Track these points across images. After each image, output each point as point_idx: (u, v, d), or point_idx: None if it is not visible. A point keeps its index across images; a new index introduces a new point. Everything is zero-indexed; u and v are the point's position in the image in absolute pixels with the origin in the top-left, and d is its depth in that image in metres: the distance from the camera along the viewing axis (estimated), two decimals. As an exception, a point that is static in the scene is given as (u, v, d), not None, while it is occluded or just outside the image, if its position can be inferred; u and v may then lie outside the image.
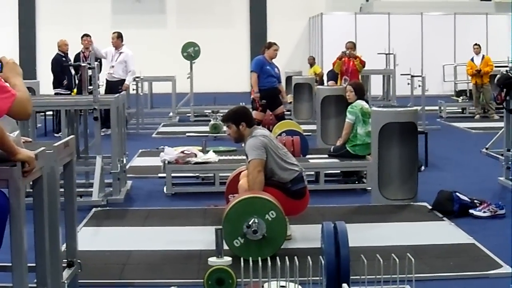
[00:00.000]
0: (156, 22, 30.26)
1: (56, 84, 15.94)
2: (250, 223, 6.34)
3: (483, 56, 19.42)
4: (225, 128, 7.55)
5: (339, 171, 10.32)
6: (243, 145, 7.35)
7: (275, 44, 13.23)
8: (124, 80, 15.84)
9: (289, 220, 7.10)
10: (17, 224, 3.99)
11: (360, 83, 11.24)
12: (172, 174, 9.61)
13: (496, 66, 19.50)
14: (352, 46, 15.55)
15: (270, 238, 6.38)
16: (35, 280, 4.42)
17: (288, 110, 17.00)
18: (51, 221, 4.47)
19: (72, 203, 5.13)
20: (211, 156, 9.75)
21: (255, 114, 12.87)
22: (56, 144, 4.63)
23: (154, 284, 5.94)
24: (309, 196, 7.36)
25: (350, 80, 13.92)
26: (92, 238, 7.26)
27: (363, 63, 15.27)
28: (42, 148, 4.36)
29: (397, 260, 5.09)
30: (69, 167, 5.06)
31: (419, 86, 16.89)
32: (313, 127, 14.37)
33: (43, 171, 4.35)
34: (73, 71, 15.84)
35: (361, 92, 10.23)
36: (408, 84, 17.56)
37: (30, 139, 5.36)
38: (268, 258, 5.21)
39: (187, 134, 15.49)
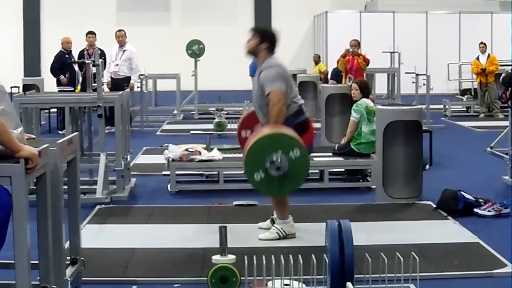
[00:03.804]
0: (161, 19, 30.26)
1: (58, 81, 15.98)
2: (274, 159, 6.29)
3: (489, 55, 19.39)
4: (248, 36, 7.35)
5: (343, 169, 10.30)
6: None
7: None
8: (129, 77, 15.88)
9: (294, 218, 7.10)
10: (20, 221, 3.97)
11: (366, 81, 11.23)
12: (176, 172, 9.59)
13: (501, 65, 19.47)
14: (356, 44, 15.55)
15: (292, 175, 6.32)
16: (38, 278, 4.41)
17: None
18: (54, 218, 4.45)
19: (76, 200, 5.11)
20: (215, 154, 9.73)
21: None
22: (59, 141, 4.61)
23: (157, 282, 5.93)
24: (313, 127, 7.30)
25: (354, 78, 13.91)
26: (95, 236, 7.25)
27: (367, 61, 15.25)
28: (46, 145, 4.34)
29: (401, 258, 5.08)
30: (73, 164, 5.04)
31: (424, 84, 16.86)
32: (318, 125, 14.32)
33: (47, 168, 4.33)
34: (77, 68, 15.87)
35: (366, 90, 10.21)
36: (413, 82, 17.57)
37: (33, 136, 5.35)
38: (272, 257, 5.19)
39: (192, 131, 15.49)
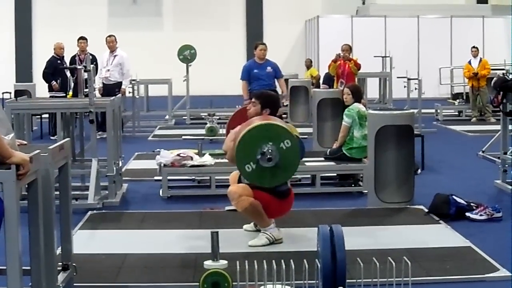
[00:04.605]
0: (153, 24, 30.23)
1: (49, 86, 15.96)
2: (265, 150, 6.30)
3: (481, 59, 19.43)
4: (248, 102, 7.36)
5: (335, 174, 10.30)
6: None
7: (260, 44, 13.29)
8: (120, 82, 15.90)
9: (282, 223, 7.09)
10: (12, 227, 3.97)
11: (358, 86, 11.23)
12: (168, 177, 9.57)
13: (492, 69, 19.52)
14: (347, 48, 15.55)
15: (283, 166, 6.33)
16: (30, 284, 4.40)
17: (284, 113, 17.01)
18: (46, 224, 4.44)
19: (67, 206, 5.11)
20: (207, 159, 9.72)
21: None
22: (51, 147, 4.61)
23: (149, 287, 5.92)
24: (293, 197, 7.25)
25: (346, 83, 13.92)
26: (87, 241, 7.24)
27: (358, 66, 15.26)
28: (37, 151, 4.34)
29: (393, 263, 5.08)
30: (64, 170, 5.04)
31: (416, 89, 16.86)
32: (309, 130, 14.34)
33: (38, 174, 4.33)
34: (68, 74, 15.85)
35: (358, 95, 10.21)
36: (405, 87, 17.56)
37: (25, 142, 5.34)
38: (264, 262, 5.18)
39: (183, 137, 15.43)
